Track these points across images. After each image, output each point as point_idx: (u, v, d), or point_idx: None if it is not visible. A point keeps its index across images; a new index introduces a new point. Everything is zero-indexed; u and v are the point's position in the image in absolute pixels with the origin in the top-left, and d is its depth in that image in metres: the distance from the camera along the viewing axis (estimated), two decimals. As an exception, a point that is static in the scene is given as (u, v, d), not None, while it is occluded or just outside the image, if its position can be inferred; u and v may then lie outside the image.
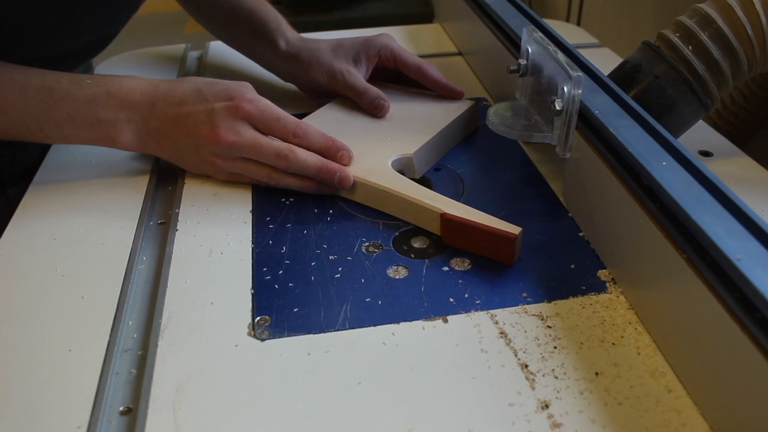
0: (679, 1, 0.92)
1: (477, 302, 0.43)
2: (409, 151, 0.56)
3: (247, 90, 0.54)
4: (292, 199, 0.54)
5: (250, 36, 0.70)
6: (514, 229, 0.46)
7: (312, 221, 0.52)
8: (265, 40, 0.68)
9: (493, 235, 0.46)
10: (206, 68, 0.80)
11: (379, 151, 0.56)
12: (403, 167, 0.56)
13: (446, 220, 0.48)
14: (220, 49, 0.83)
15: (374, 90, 0.62)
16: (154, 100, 0.54)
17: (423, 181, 0.57)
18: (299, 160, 0.53)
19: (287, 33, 0.68)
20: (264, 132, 0.54)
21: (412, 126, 0.60)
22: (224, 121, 0.53)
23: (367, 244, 0.49)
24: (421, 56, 0.66)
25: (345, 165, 0.54)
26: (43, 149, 0.67)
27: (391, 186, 0.51)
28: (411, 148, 0.57)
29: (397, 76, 0.68)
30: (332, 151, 0.54)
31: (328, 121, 0.62)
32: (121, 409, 0.37)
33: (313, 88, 0.68)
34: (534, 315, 0.42)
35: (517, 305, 0.43)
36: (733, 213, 0.36)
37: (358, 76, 0.64)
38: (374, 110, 0.62)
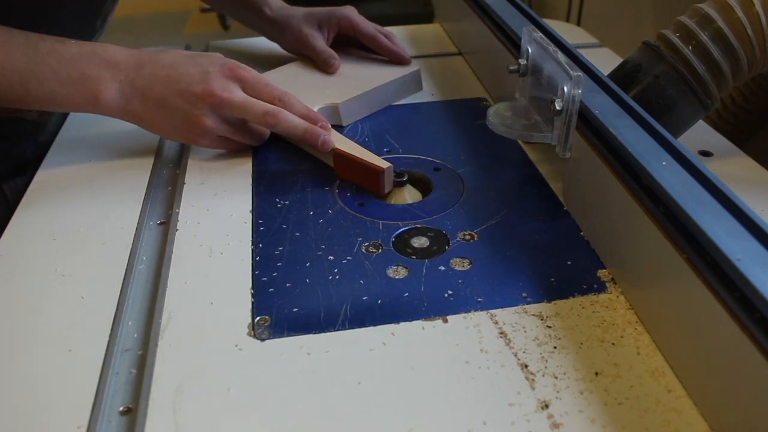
0: (679, 1, 0.92)
1: (477, 302, 0.43)
2: (337, 101, 0.66)
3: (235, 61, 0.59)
4: (291, 200, 0.54)
5: (238, 4, 0.79)
6: (384, 164, 0.54)
7: (312, 221, 0.52)
8: (252, 7, 0.78)
9: (366, 168, 0.54)
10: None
11: (314, 98, 0.65)
12: (330, 115, 0.65)
13: (336, 154, 0.56)
14: (219, 49, 0.82)
15: (329, 51, 0.73)
16: (141, 62, 0.56)
17: (422, 181, 0.58)
18: (288, 119, 0.57)
19: (270, 1, 0.77)
20: (252, 96, 0.58)
21: (351, 82, 0.70)
22: (218, 81, 0.56)
23: (366, 244, 0.49)
24: (421, 56, 0.66)
25: (326, 130, 0.59)
26: (36, 144, 0.67)
27: None
28: (340, 98, 0.66)
29: (360, 45, 0.77)
30: (311, 119, 0.59)
31: (287, 76, 0.72)
32: (121, 409, 0.37)
33: (290, 48, 0.78)
34: (534, 315, 0.42)
35: (517, 305, 0.43)
36: (733, 213, 0.36)
37: (319, 39, 0.74)
38: (326, 67, 0.72)
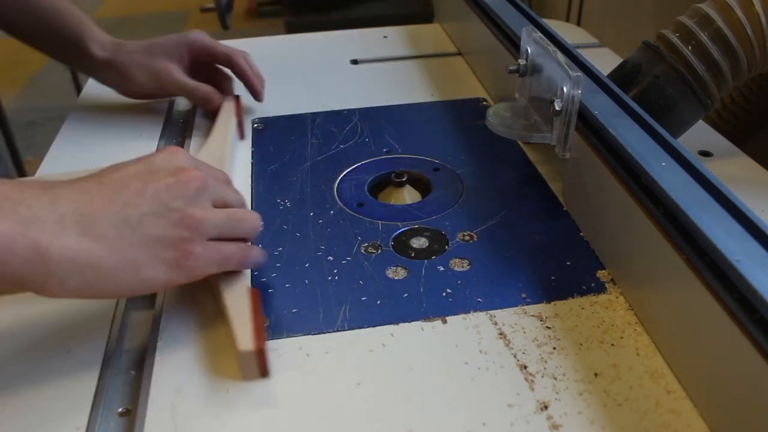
0: (679, 1, 0.92)
1: (476, 303, 0.43)
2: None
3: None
4: (291, 200, 0.54)
5: (58, 43, 0.65)
6: (247, 345, 0.37)
7: (311, 222, 0.52)
8: (76, 48, 0.64)
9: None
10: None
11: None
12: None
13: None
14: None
15: (203, 86, 0.63)
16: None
17: (421, 181, 0.58)
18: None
19: (98, 36, 0.64)
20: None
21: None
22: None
23: (366, 244, 0.49)
24: (421, 56, 0.66)
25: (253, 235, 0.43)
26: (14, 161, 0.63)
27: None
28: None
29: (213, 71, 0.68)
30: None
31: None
32: (120, 410, 0.37)
33: (140, 91, 0.66)
34: (533, 316, 0.42)
35: (517, 306, 0.43)
36: (732, 213, 0.36)
37: (180, 72, 0.64)
38: (206, 104, 0.64)
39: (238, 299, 0.41)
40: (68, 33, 0.63)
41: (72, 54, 0.65)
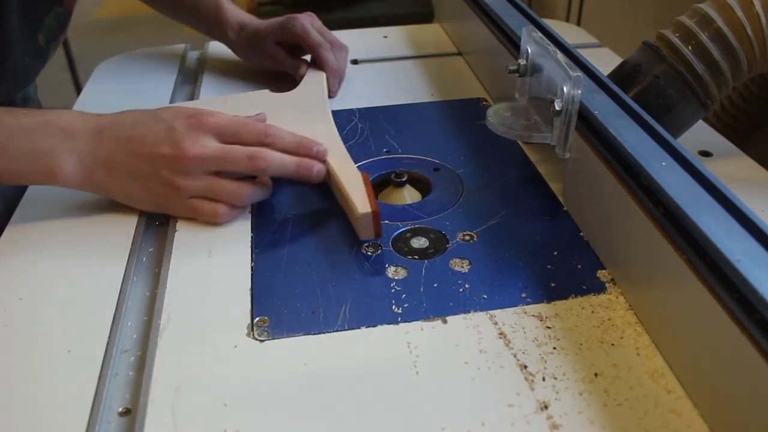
0: (679, 1, 0.92)
1: (476, 303, 0.43)
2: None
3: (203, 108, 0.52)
4: (291, 200, 0.54)
5: (200, 22, 0.79)
6: (365, 208, 0.47)
7: (311, 221, 0.52)
8: (218, 30, 0.77)
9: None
10: (206, 68, 0.80)
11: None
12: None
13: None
14: (219, 49, 0.83)
15: (303, 66, 0.72)
16: (99, 128, 0.50)
17: (421, 181, 0.57)
18: (276, 159, 0.50)
19: (230, 19, 0.76)
20: (232, 142, 0.51)
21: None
22: (186, 136, 0.49)
23: (366, 244, 0.49)
24: (421, 56, 0.66)
25: (322, 159, 0.53)
26: None
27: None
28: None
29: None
30: (307, 147, 0.53)
31: (254, 102, 0.65)
32: (120, 410, 0.37)
33: (254, 65, 0.78)
34: (533, 315, 0.42)
35: (517, 306, 0.43)
36: (732, 213, 0.36)
37: (282, 53, 0.73)
38: (296, 72, 0.72)
39: (351, 177, 0.51)
40: (207, 13, 0.77)
41: (214, 33, 0.79)
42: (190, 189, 0.50)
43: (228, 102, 0.64)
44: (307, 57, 0.74)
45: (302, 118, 0.62)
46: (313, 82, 0.70)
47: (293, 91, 0.68)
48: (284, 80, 0.73)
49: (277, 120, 0.56)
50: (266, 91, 0.68)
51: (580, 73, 0.47)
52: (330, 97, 0.71)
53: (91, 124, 0.50)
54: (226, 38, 0.77)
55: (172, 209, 0.51)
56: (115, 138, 0.50)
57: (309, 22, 0.72)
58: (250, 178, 0.52)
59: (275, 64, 0.74)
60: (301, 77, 0.70)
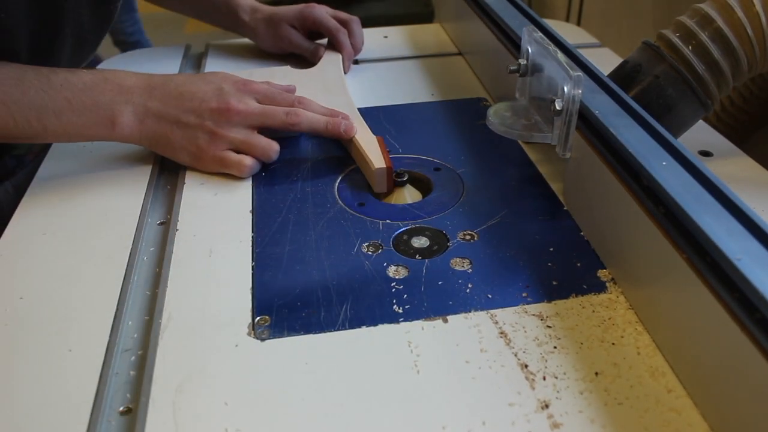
0: (679, 1, 0.92)
1: (477, 302, 0.43)
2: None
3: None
4: (291, 200, 0.54)
5: (213, 9, 0.82)
6: (381, 163, 0.54)
7: (312, 221, 0.52)
8: (230, 15, 0.81)
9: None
10: (206, 68, 0.80)
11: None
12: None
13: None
14: (220, 49, 0.83)
15: (313, 44, 0.79)
16: (152, 85, 0.57)
17: (422, 181, 0.58)
18: (309, 115, 0.59)
19: (244, 2, 0.80)
20: (269, 104, 0.59)
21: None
22: (234, 95, 0.57)
23: (366, 244, 0.49)
24: (421, 56, 0.66)
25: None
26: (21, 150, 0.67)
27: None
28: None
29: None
30: (335, 112, 0.62)
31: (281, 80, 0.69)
32: (121, 409, 0.37)
33: (267, 46, 0.82)
34: (534, 315, 0.42)
35: (517, 305, 0.43)
36: (733, 213, 0.36)
37: (299, 36, 0.79)
38: (313, 57, 0.78)
39: (368, 139, 0.59)
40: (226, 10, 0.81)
41: (226, 20, 0.82)
42: (228, 139, 0.56)
43: (253, 75, 0.67)
44: (322, 41, 0.81)
45: (322, 90, 0.69)
46: (331, 61, 0.76)
47: (313, 68, 0.75)
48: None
49: (300, 92, 0.65)
50: (288, 67, 0.75)
51: (580, 73, 0.47)
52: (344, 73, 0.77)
53: (143, 80, 0.57)
54: (239, 21, 0.80)
55: (203, 161, 0.57)
56: (168, 92, 0.57)
57: (325, 10, 0.80)
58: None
59: (291, 47, 0.79)
60: (319, 59, 0.77)
